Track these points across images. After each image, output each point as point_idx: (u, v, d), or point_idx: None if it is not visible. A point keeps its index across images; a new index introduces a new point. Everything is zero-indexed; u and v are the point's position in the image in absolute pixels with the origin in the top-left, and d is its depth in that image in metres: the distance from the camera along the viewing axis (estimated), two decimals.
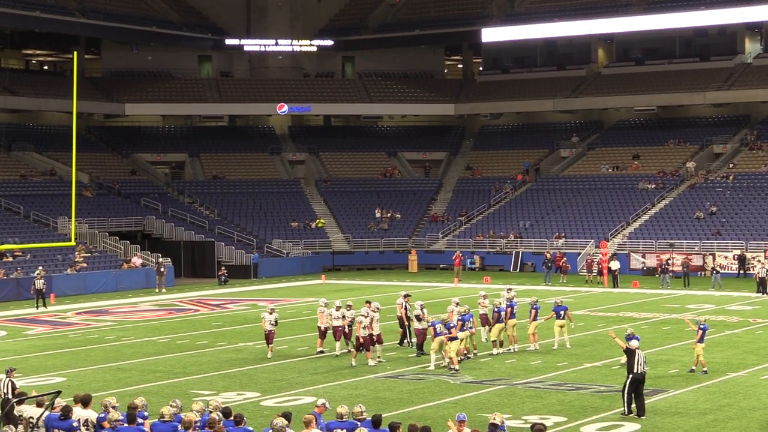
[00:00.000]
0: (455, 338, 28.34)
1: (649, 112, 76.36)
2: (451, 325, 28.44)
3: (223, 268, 59.21)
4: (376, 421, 16.03)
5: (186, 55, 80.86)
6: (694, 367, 27.49)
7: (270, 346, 31.23)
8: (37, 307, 46.65)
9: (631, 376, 22.68)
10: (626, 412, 22.48)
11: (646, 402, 22.78)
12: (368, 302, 31.06)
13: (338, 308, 31.40)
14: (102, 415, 16.63)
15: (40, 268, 49.72)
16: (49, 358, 31.95)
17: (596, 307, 43.48)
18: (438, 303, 45.31)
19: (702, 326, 27.45)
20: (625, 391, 22.67)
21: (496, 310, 31.28)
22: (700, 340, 27.17)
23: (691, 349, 28.10)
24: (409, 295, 33.69)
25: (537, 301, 32.63)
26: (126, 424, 16.23)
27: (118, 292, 54.05)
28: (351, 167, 77.06)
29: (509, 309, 31.39)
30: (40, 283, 47.35)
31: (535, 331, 31.91)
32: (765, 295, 47.53)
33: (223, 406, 17.11)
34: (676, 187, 67.24)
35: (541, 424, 15.30)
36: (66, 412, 16.57)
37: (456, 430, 15.58)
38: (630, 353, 22.97)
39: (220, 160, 75.90)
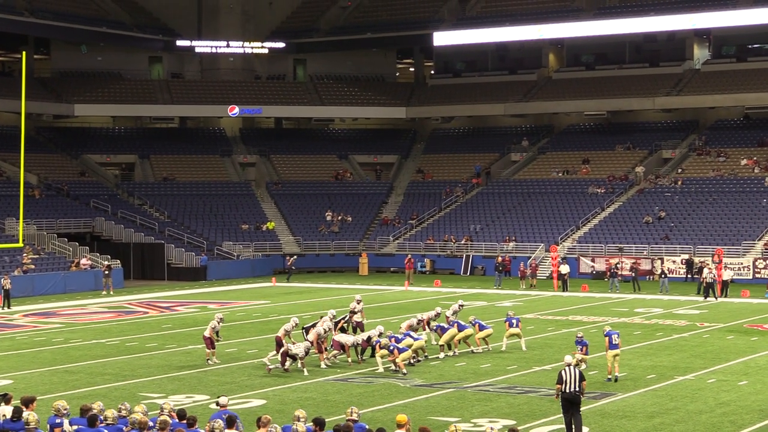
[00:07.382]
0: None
1: (599, 117, 76.81)
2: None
3: (290, 258, 61.67)
4: (319, 423, 15.95)
5: (136, 56, 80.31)
6: (610, 376, 27.26)
7: (209, 351, 30.79)
8: (2, 307, 46.83)
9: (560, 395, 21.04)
10: None
11: (594, 405, 22.69)
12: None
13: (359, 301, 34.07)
14: (54, 419, 16.59)
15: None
16: None
17: (546, 311, 43.67)
18: (388, 306, 45.42)
19: (607, 333, 27.59)
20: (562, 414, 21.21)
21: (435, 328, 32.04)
22: (611, 347, 27.16)
23: (605, 358, 27.69)
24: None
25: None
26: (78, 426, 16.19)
27: (67, 294, 53.50)
28: (302, 170, 76.89)
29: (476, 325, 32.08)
30: (7, 283, 47.42)
31: (486, 337, 32.20)
32: (715, 299, 47.86)
33: (178, 408, 17.09)
34: (626, 192, 67.77)
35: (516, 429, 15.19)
36: (18, 413, 16.45)
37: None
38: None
39: (170, 162, 75.45)
